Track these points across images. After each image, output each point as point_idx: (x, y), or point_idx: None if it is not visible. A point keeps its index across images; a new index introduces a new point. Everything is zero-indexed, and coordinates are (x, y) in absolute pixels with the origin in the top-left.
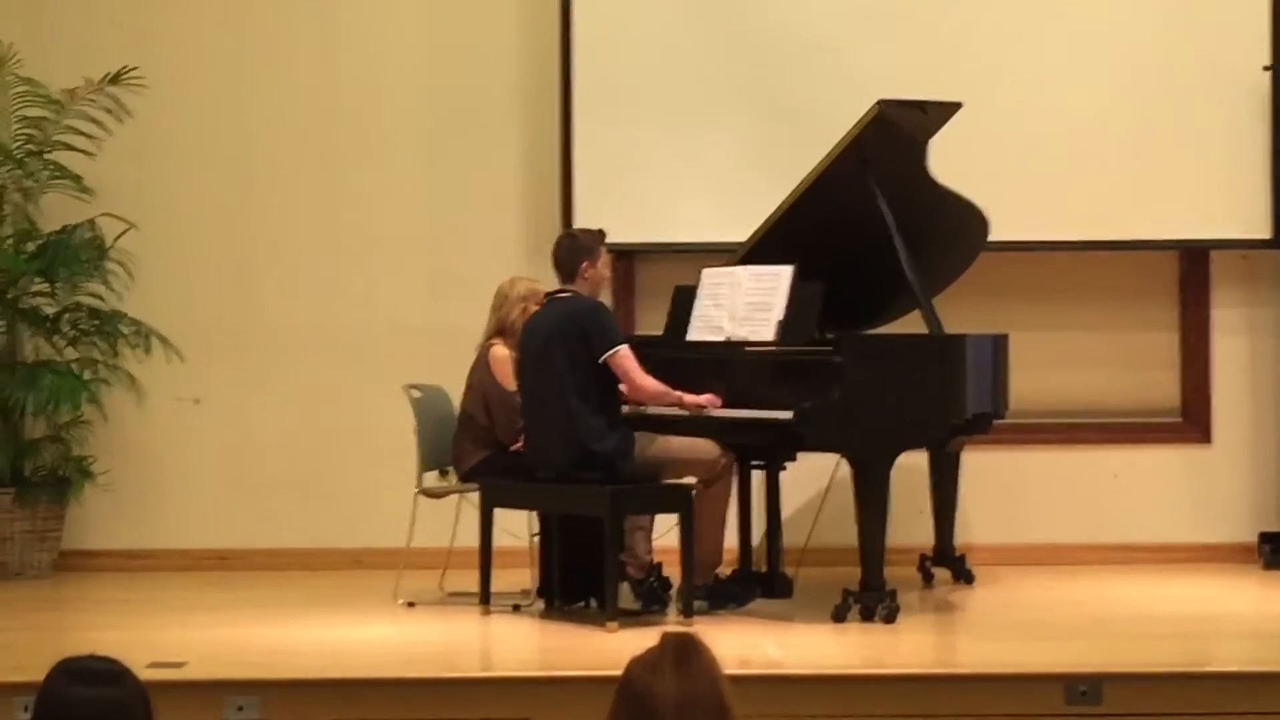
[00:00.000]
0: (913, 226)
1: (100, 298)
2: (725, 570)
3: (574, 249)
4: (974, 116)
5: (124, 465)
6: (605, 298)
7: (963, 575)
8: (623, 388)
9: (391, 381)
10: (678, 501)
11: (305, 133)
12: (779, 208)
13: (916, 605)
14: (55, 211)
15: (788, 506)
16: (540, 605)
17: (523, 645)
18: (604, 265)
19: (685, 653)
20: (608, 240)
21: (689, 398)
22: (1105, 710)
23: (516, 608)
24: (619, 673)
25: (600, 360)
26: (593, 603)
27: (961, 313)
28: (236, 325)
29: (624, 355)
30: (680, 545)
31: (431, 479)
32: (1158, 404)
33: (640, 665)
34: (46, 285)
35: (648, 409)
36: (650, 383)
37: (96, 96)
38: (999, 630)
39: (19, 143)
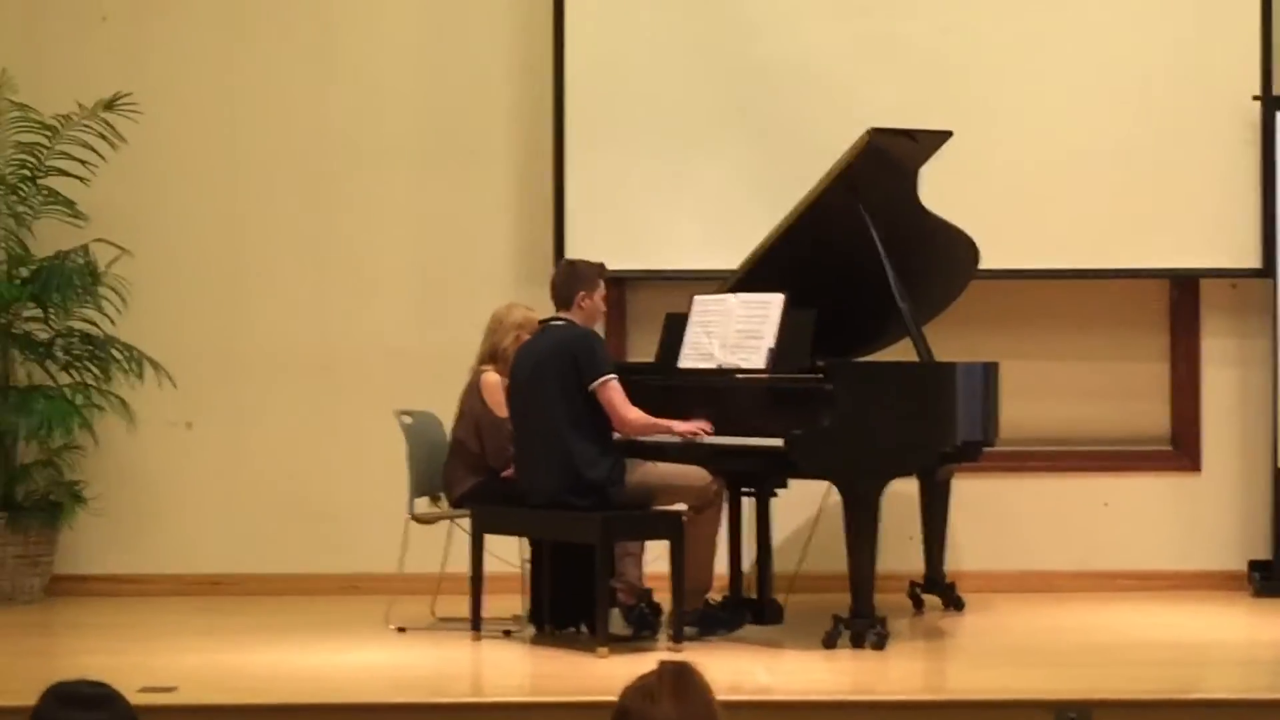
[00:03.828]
0: (904, 254)
1: (93, 323)
2: (715, 596)
3: (572, 277)
4: (965, 145)
5: (116, 490)
6: (599, 329)
7: (953, 602)
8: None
9: (383, 407)
10: (668, 528)
11: (298, 159)
12: (770, 235)
13: (906, 632)
14: (49, 237)
15: (778, 533)
16: (531, 631)
17: (514, 670)
18: (600, 298)
19: (682, 681)
20: None
21: (680, 425)
22: None
23: (508, 633)
24: (610, 698)
25: (588, 389)
26: (583, 628)
27: (952, 341)
28: (228, 350)
29: (612, 387)
30: (670, 571)
31: (423, 505)
32: (1148, 432)
33: (636, 693)
34: (39, 311)
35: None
36: (636, 415)
37: (90, 122)
38: (989, 657)
39: (12, 168)
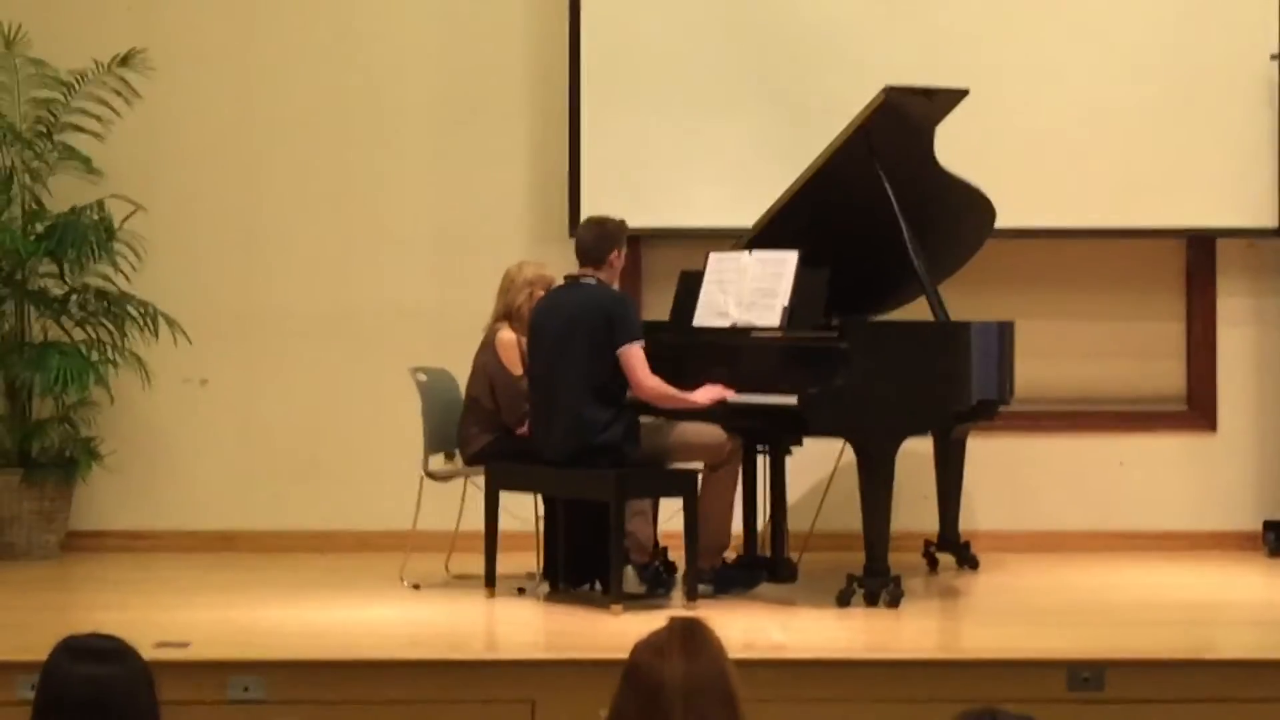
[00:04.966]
0: (919, 213)
1: (108, 279)
2: (730, 555)
3: (603, 235)
4: (981, 103)
5: (131, 446)
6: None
7: (967, 561)
8: None
9: (398, 364)
10: (682, 486)
11: (314, 116)
12: (786, 193)
13: (921, 590)
14: (64, 193)
15: (793, 491)
16: (545, 588)
17: (527, 628)
18: (624, 255)
19: (692, 637)
20: None
21: (701, 397)
22: (1108, 696)
23: (521, 590)
24: (623, 656)
25: (616, 350)
26: (597, 586)
27: (967, 300)
28: (243, 307)
29: (634, 352)
30: (684, 530)
31: (437, 462)
32: (1163, 392)
33: (647, 649)
34: (55, 266)
35: None
36: (654, 383)
37: (106, 78)
38: (1002, 616)
39: (28, 124)
